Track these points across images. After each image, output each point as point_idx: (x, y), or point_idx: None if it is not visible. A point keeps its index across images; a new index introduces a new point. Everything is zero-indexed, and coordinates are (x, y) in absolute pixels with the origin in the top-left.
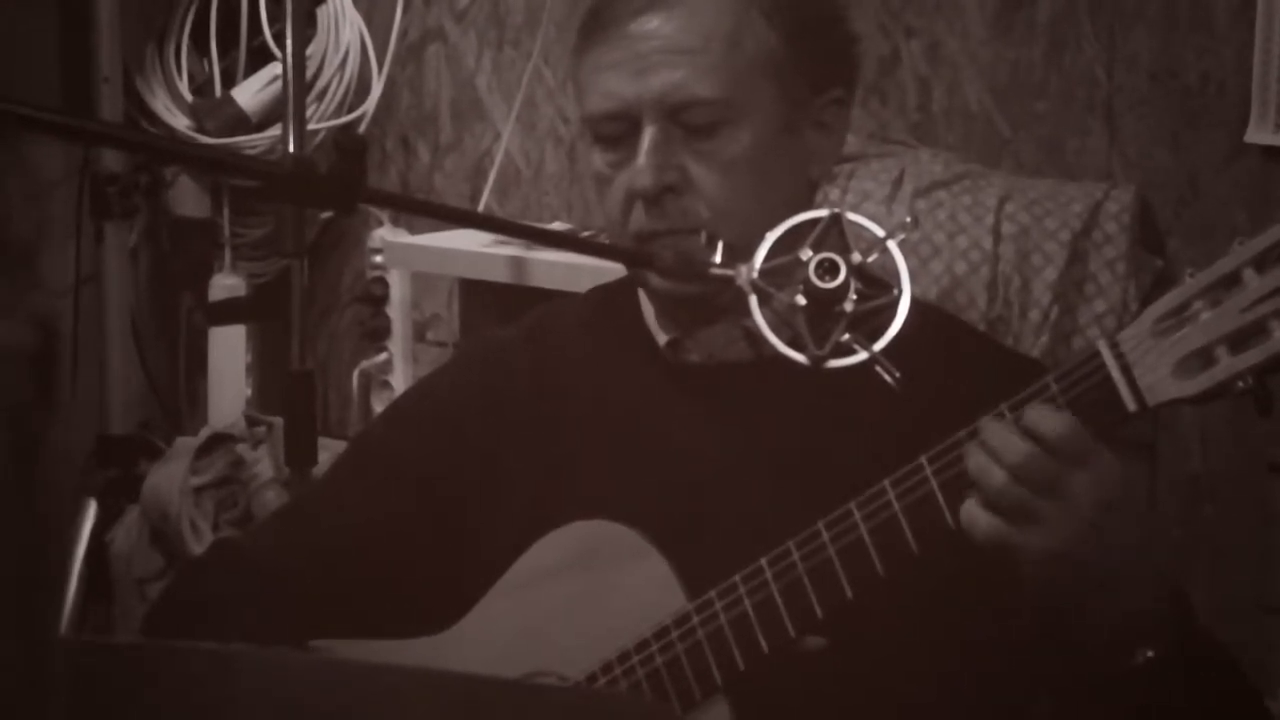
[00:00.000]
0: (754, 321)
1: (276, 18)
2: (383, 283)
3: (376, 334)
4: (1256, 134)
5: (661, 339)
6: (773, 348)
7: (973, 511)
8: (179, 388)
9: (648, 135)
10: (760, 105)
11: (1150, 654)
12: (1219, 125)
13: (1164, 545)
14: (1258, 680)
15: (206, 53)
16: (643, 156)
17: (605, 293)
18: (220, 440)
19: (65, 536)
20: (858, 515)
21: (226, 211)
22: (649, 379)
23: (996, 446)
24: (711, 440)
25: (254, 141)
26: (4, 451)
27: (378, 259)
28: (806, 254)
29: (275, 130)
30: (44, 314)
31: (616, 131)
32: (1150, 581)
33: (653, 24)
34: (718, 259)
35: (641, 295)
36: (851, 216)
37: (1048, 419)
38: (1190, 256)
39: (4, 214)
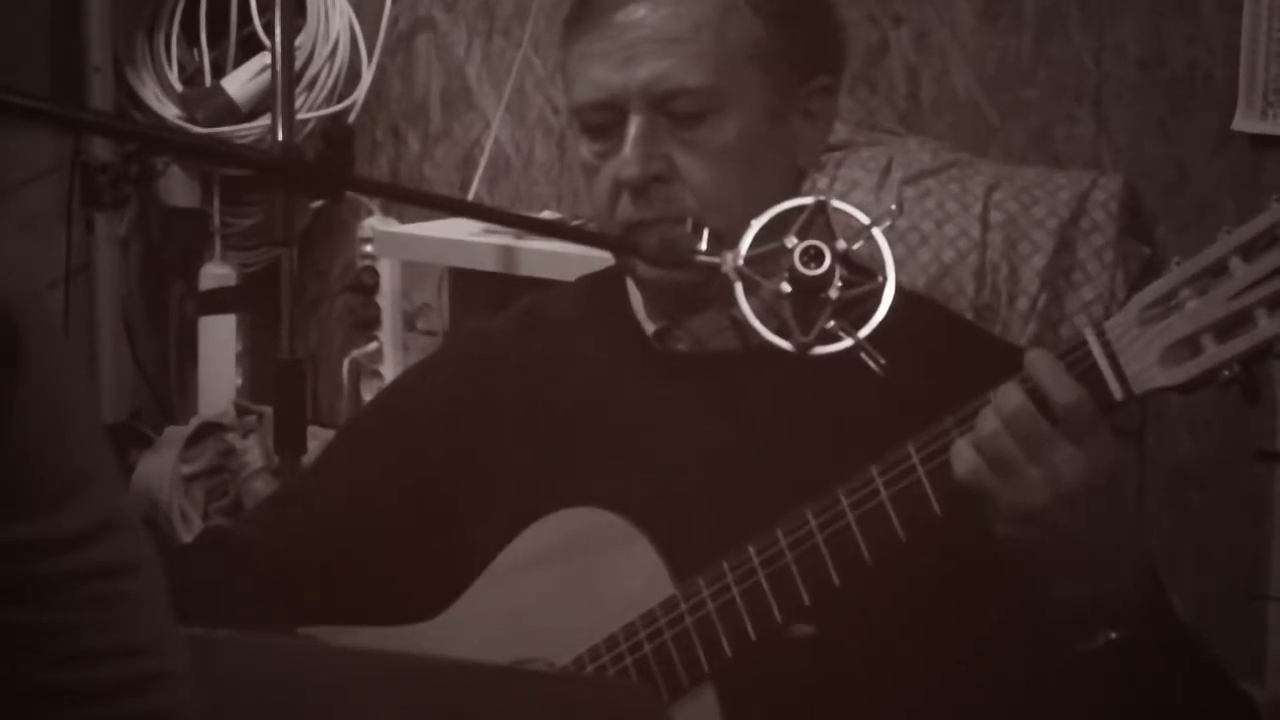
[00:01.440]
0: (740, 309)
1: (266, 7)
2: (373, 272)
3: (367, 323)
4: (1244, 122)
5: (649, 328)
6: (760, 337)
7: (960, 446)
8: (169, 377)
9: (634, 125)
10: (747, 94)
11: (1113, 635)
12: (1207, 113)
13: (1143, 538)
14: (1245, 666)
15: (196, 42)
16: (629, 146)
17: (594, 281)
18: (210, 429)
19: None
20: (845, 503)
21: (217, 201)
22: (637, 368)
23: (998, 394)
24: (700, 428)
25: (244, 131)
26: None
27: (368, 248)
28: (792, 241)
29: (265, 120)
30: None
31: (603, 121)
32: (1122, 568)
33: (639, 13)
34: (703, 246)
35: (630, 284)
36: (837, 204)
37: (1053, 377)
38: (1178, 244)
39: None
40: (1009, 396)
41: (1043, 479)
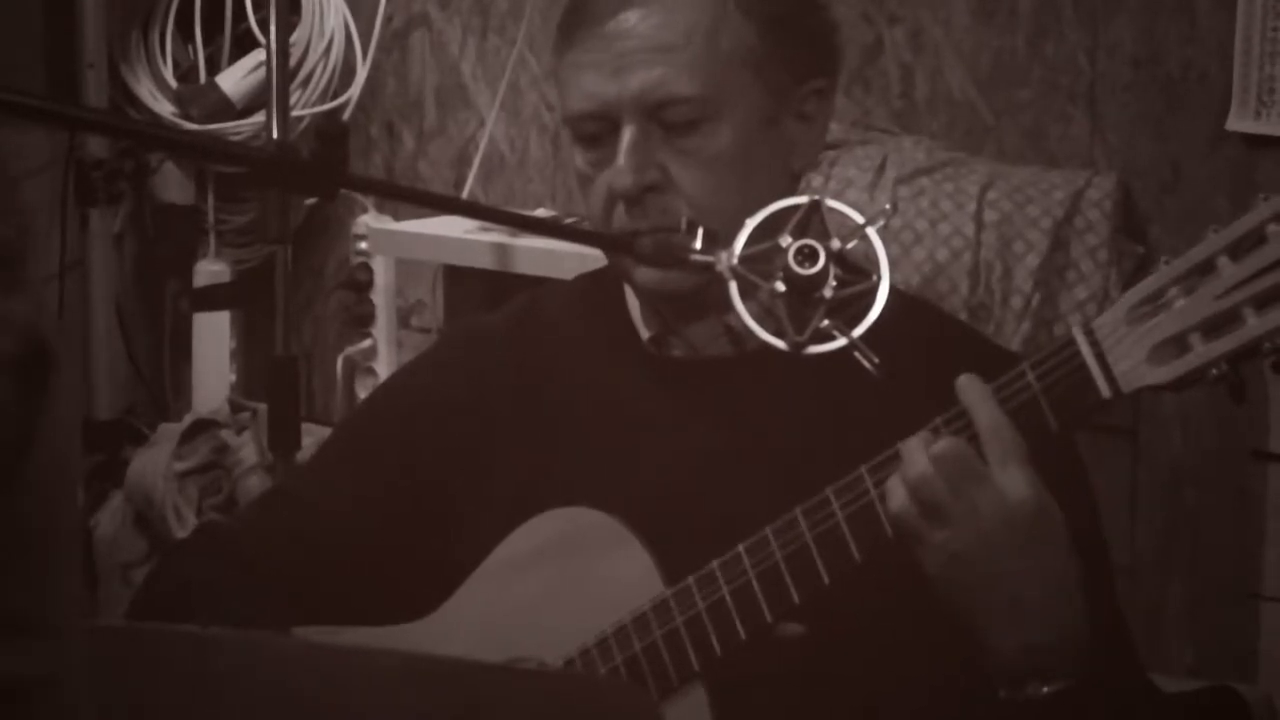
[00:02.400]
0: (735, 315)
1: (261, 4)
2: (367, 269)
3: (361, 320)
4: (1238, 121)
5: (645, 333)
6: (754, 343)
7: (893, 483)
8: (164, 374)
9: (627, 135)
10: (740, 100)
11: (1045, 690)
12: (1201, 112)
13: (1079, 594)
14: (1238, 666)
15: (191, 39)
16: (623, 157)
17: (592, 280)
18: (204, 426)
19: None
20: (835, 503)
21: (211, 198)
22: (632, 370)
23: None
24: (693, 432)
25: (238, 128)
26: None
27: (362, 245)
28: (786, 240)
29: (260, 116)
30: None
31: (596, 131)
32: (1056, 625)
33: (630, 22)
34: (698, 245)
35: (626, 287)
36: (831, 203)
37: (982, 406)
38: (1172, 244)
39: None
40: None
41: (963, 517)
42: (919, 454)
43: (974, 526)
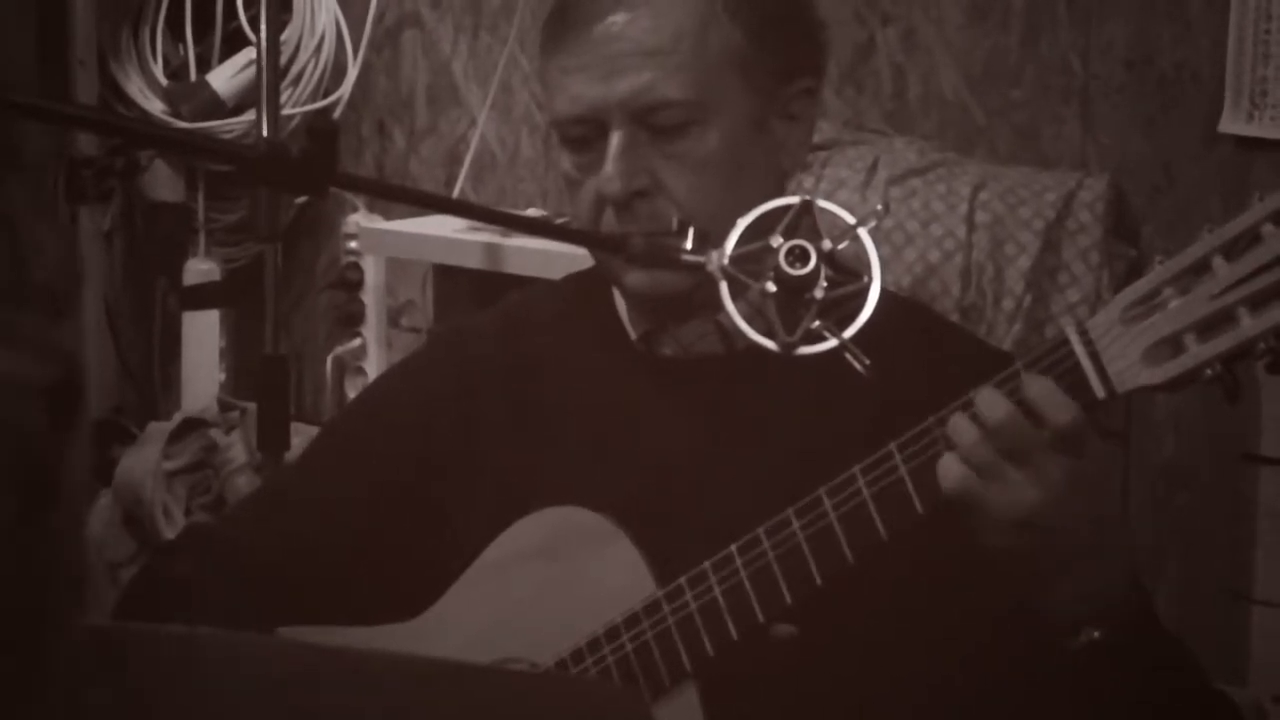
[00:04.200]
0: (725, 314)
1: (251, 2)
2: (357, 268)
3: (351, 319)
4: (1230, 123)
5: (633, 332)
6: (744, 341)
7: (948, 461)
8: (153, 372)
9: (616, 139)
10: (728, 103)
11: (1096, 635)
12: (1193, 114)
13: (1127, 537)
14: (1228, 668)
15: (182, 37)
16: (611, 162)
17: (580, 280)
18: (193, 425)
19: None
20: (828, 503)
21: (201, 196)
22: (621, 369)
23: (980, 403)
24: (683, 431)
25: (229, 126)
26: None
27: (352, 244)
28: (777, 241)
29: (250, 115)
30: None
31: (584, 134)
32: (1107, 566)
33: (618, 25)
34: (688, 245)
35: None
36: (822, 203)
37: (1049, 398)
38: (1164, 246)
39: None
40: (994, 407)
41: (1030, 482)
42: (998, 397)
43: (1043, 491)
